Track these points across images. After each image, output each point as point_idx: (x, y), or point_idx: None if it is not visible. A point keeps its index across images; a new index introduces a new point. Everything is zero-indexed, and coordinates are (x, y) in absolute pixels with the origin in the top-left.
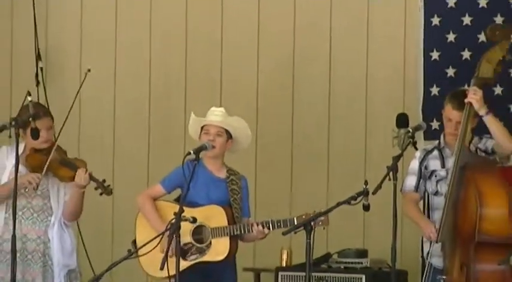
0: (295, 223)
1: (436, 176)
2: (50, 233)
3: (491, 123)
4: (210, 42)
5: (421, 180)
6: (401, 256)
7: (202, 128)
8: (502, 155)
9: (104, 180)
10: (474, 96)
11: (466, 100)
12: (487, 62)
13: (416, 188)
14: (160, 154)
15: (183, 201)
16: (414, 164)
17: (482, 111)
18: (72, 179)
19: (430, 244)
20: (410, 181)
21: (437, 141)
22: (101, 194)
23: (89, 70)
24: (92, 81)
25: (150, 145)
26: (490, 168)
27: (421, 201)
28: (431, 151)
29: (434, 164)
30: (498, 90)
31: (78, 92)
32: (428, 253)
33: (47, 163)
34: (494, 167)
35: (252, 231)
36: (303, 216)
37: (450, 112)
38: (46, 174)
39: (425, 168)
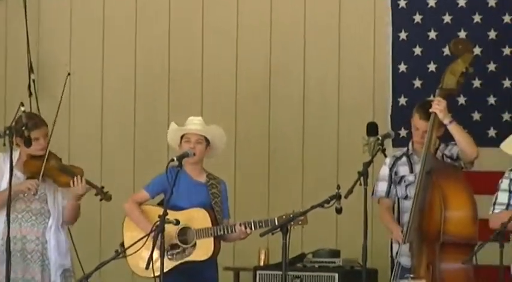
0: (276, 223)
1: (405, 181)
2: (47, 235)
3: (455, 131)
4: (191, 56)
5: (392, 185)
6: (371, 256)
7: (182, 136)
8: (466, 161)
9: (103, 187)
10: (438, 106)
11: (431, 110)
12: (450, 73)
13: (388, 193)
14: (145, 161)
15: (167, 204)
16: (384, 170)
17: (446, 120)
18: (68, 184)
19: (399, 244)
20: (382, 187)
21: (405, 148)
22: (100, 199)
23: (69, 74)
24: (80, 92)
25: (135, 152)
26: (454, 173)
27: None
28: (400, 158)
29: (403, 169)
30: (462, 100)
31: (62, 95)
32: (397, 253)
33: (43, 169)
34: (458, 172)
35: (235, 231)
36: (283, 216)
37: (417, 122)
38: (43, 180)
39: (395, 173)
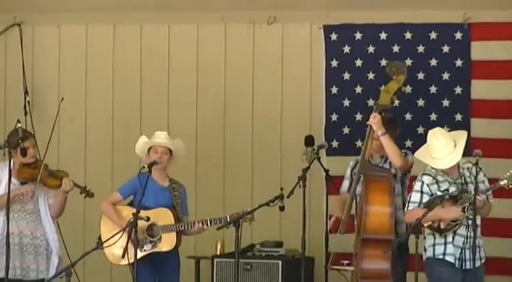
0: (228, 220)
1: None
2: (41, 230)
3: (385, 143)
4: (159, 83)
5: (353, 183)
6: (309, 246)
7: (150, 148)
8: (396, 167)
9: (86, 186)
10: (374, 120)
11: (367, 123)
12: (386, 92)
13: (349, 189)
14: (120, 168)
15: (138, 204)
16: (348, 171)
17: (379, 132)
18: (59, 186)
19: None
20: (345, 184)
21: None
22: (85, 197)
23: (62, 99)
24: (67, 112)
25: (113, 161)
26: (382, 178)
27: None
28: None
29: None
30: (408, 116)
31: (57, 115)
32: None
33: (39, 175)
34: (385, 177)
35: (194, 227)
36: (234, 215)
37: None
38: (35, 185)
39: (355, 174)
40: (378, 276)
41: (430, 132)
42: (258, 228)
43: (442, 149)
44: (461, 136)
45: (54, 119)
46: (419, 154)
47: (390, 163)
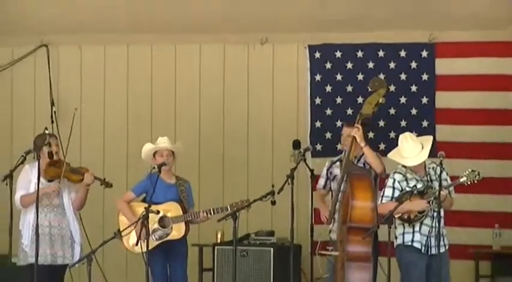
0: (229, 209)
1: (336, 179)
2: (66, 221)
3: (366, 152)
4: (167, 94)
5: (328, 181)
6: (297, 235)
7: (155, 152)
8: (376, 172)
9: (105, 178)
10: (357, 132)
11: (352, 134)
12: (368, 103)
13: (324, 186)
14: (133, 166)
15: (150, 200)
16: (323, 170)
17: (362, 144)
18: (81, 181)
19: (332, 223)
20: (321, 182)
21: (340, 155)
22: (104, 187)
23: (76, 109)
24: (87, 121)
25: (128, 161)
26: (364, 176)
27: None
28: (335, 162)
29: (336, 170)
30: (381, 123)
31: (72, 123)
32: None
33: (62, 174)
34: (366, 175)
35: (199, 217)
36: (233, 204)
37: (343, 129)
38: (59, 182)
39: (330, 173)
40: (361, 258)
41: (401, 136)
42: (252, 220)
43: (411, 150)
44: (428, 140)
45: (76, 127)
46: (392, 155)
47: (364, 163)
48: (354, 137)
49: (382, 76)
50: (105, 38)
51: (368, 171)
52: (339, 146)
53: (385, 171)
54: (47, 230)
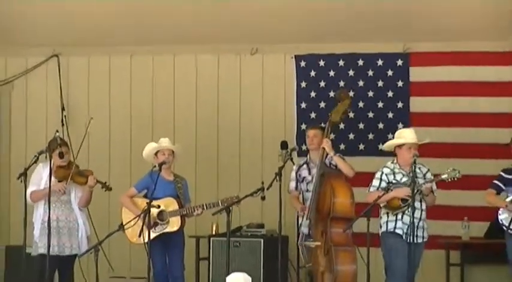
0: (220, 204)
1: (305, 180)
2: (73, 216)
3: (337, 160)
4: (166, 100)
5: (297, 183)
6: (284, 227)
7: (157, 151)
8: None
9: (106, 182)
10: (326, 144)
11: (322, 146)
12: (336, 112)
13: (296, 188)
14: (136, 169)
15: (151, 196)
16: (293, 174)
17: (331, 153)
18: (85, 183)
19: (303, 219)
20: (292, 184)
21: (305, 159)
22: (105, 190)
23: (92, 118)
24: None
25: (131, 161)
26: (339, 175)
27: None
28: (302, 165)
29: (304, 173)
30: (361, 125)
31: (86, 131)
32: (300, 224)
33: (70, 176)
34: (341, 174)
35: (195, 211)
36: (224, 199)
37: (308, 131)
38: (67, 183)
39: (299, 175)
40: (345, 243)
41: (402, 130)
42: (244, 213)
43: (412, 133)
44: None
45: (84, 129)
46: (387, 146)
47: (330, 163)
48: (323, 149)
49: (361, 83)
50: (110, 49)
51: (340, 171)
52: None
53: (354, 173)
54: (54, 224)
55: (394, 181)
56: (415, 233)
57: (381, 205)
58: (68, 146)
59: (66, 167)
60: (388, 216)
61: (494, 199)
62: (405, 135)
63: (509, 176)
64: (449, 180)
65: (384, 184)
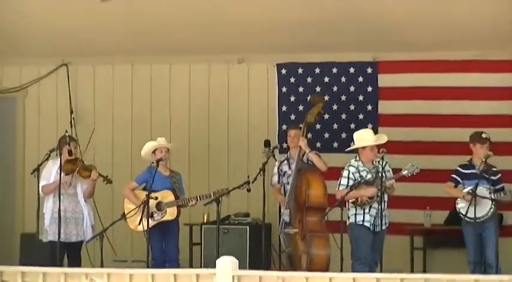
0: (212, 195)
1: (286, 174)
2: (79, 207)
3: (312, 157)
4: (163, 104)
5: (279, 177)
6: (268, 216)
7: (155, 149)
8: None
9: (107, 176)
10: (302, 142)
11: (299, 144)
12: (311, 114)
13: (278, 181)
14: (137, 165)
15: (149, 189)
16: (275, 169)
17: (307, 150)
18: (89, 176)
19: (284, 208)
20: (274, 178)
21: (286, 155)
22: (106, 183)
23: (94, 128)
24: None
25: (132, 157)
26: (314, 170)
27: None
28: (283, 161)
29: (285, 168)
30: (335, 126)
31: (90, 139)
32: (281, 213)
33: (77, 170)
34: (316, 169)
35: (189, 202)
36: (215, 191)
37: (289, 131)
38: (73, 176)
39: (281, 170)
40: (319, 230)
41: (362, 131)
42: (232, 204)
43: (372, 135)
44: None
45: (90, 129)
46: (356, 144)
47: (307, 159)
48: (300, 147)
49: (335, 88)
50: (113, 59)
51: (315, 166)
52: None
53: (327, 168)
54: (62, 214)
55: (359, 178)
56: (380, 222)
57: (350, 201)
58: (76, 141)
59: (73, 162)
60: (356, 209)
61: (452, 191)
62: (367, 138)
63: (465, 171)
64: (409, 175)
65: (351, 182)
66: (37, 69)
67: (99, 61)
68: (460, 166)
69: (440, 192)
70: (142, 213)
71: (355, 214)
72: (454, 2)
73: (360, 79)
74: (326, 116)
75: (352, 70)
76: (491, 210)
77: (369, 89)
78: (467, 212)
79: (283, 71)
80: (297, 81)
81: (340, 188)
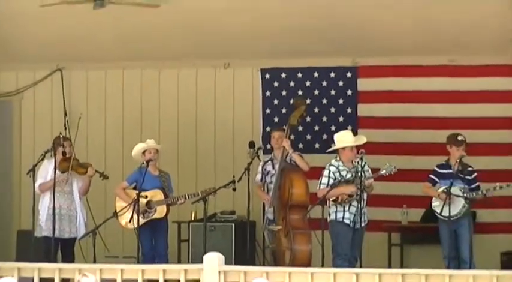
0: (199, 194)
1: (269, 174)
2: (74, 205)
3: (295, 157)
4: (153, 108)
5: (263, 176)
6: (252, 214)
7: (145, 151)
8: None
9: (103, 172)
10: (286, 143)
11: (282, 144)
12: (294, 116)
13: (261, 179)
14: (128, 165)
15: (140, 188)
16: (259, 168)
17: (290, 151)
18: (85, 173)
19: (268, 206)
20: (258, 176)
21: (270, 156)
22: (102, 179)
23: (80, 117)
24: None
25: (123, 158)
26: (296, 170)
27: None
28: (267, 161)
29: (269, 168)
30: (316, 128)
31: (77, 128)
32: (265, 211)
33: (70, 168)
34: (299, 169)
35: (178, 200)
36: (203, 190)
37: (273, 133)
38: (69, 173)
39: (264, 170)
40: (301, 227)
41: (342, 132)
42: (218, 202)
43: (351, 136)
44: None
45: (84, 132)
46: (336, 145)
47: (290, 159)
48: (284, 147)
49: (316, 92)
50: (105, 65)
51: (298, 166)
52: None
53: (309, 168)
54: (57, 211)
55: (339, 177)
56: (359, 219)
57: (330, 199)
58: (70, 140)
59: (68, 160)
60: (336, 207)
61: (429, 190)
62: (347, 139)
63: (442, 170)
64: (387, 174)
65: (331, 181)
66: (32, 74)
67: (92, 66)
68: (438, 166)
69: (417, 190)
70: (133, 211)
71: (336, 211)
72: (431, 9)
73: (340, 83)
74: (308, 119)
75: (332, 75)
76: (465, 208)
77: (349, 92)
78: (442, 210)
79: (267, 76)
80: (280, 85)
81: (321, 187)
